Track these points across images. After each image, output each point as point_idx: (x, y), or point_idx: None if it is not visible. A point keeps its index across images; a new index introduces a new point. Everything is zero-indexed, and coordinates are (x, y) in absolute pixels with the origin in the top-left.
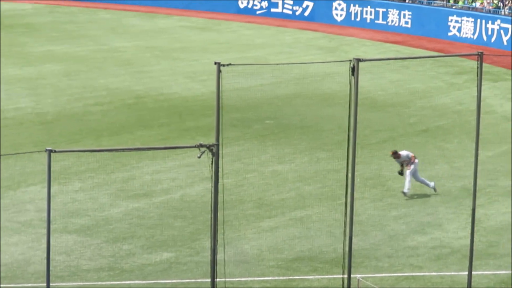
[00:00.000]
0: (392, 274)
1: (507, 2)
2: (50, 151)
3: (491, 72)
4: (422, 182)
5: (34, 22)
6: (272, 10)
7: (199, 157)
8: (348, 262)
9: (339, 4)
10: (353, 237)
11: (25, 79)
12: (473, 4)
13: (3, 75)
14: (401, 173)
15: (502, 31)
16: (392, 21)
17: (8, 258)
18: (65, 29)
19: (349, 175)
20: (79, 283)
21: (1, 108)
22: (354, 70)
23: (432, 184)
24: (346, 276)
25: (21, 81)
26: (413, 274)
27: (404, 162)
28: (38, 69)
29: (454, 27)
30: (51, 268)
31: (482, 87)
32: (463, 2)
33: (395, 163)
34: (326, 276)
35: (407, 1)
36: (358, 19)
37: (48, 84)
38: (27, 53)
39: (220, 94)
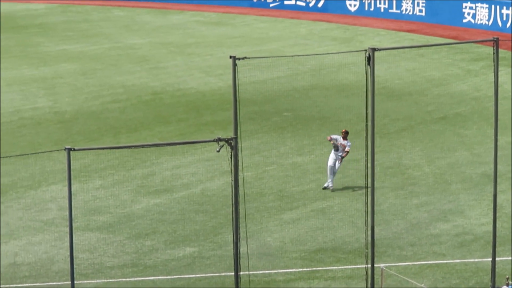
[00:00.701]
0: (416, 263)
1: None
2: (69, 149)
3: (507, 58)
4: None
5: (48, 22)
6: (286, 2)
7: (218, 151)
8: (371, 252)
9: None
10: (375, 227)
11: (42, 79)
12: None
13: (18, 75)
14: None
15: None
16: (406, 9)
17: (32, 257)
18: (79, 28)
19: (369, 164)
20: (103, 280)
21: (1, 109)
22: (369, 60)
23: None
24: (369, 265)
25: (38, 81)
26: (437, 262)
27: (340, 147)
28: (54, 69)
29: (468, 13)
30: (75, 266)
31: (499, 73)
32: None
33: (415, 151)
34: (350, 266)
35: None
36: (371, 8)
37: (64, 83)
38: (42, 53)
39: (237, 88)
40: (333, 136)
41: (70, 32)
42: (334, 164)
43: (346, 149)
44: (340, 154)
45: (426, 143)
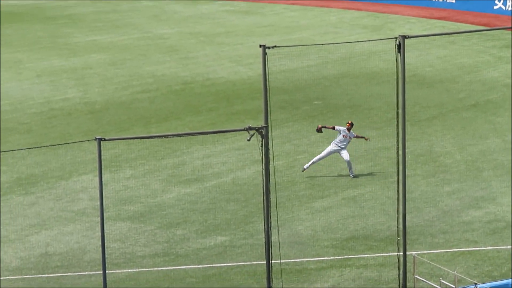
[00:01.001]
0: (448, 250)
1: None
2: (100, 139)
3: None
4: (314, 162)
5: (77, 12)
6: None
7: (249, 140)
8: (403, 240)
9: None
10: (406, 214)
11: (72, 70)
12: None
13: (48, 66)
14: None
15: None
16: None
17: (64, 247)
18: (108, 19)
19: (400, 152)
20: (135, 270)
21: (32, 100)
22: (400, 47)
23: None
24: (401, 253)
25: (68, 72)
26: (469, 249)
27: (345, 139)
28: (84, 59)
29: (499, 0)
30: (106, 256)
31: None
32: None
33: (446, 139)
34: (382, 254)
35: None
36: None
37: (94, 73)
38: (72, 44)
39: (267, 77)
40: (338, 127)
41: (99, 23)
42: (327, 154)
43: (355, 135)
44: (344, 144)
45: (457, 131)
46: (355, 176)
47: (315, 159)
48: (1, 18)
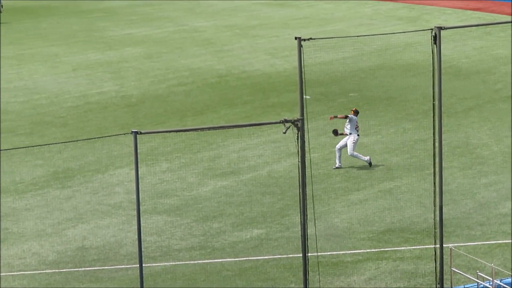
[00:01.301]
0: (485, 242)
1: None
2: (136, 133)
3: None
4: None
5: (112, 6)
6: None
7: (284, 133)
8: (439, 232)
9: None
10: (443, 207)
11: (107, 63)
12: None
13: (84, 60)
14: (336, 133)
15: None
16: None
17: (100, 241)
18: (143, 12)
19: (437, 144)
20: (171, 263)
21: (68, 94)
22: (436, 39)
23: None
24: (438, 246)
25: (103, 65)
26: (506, 241)
27: (352, 127)
28: (119, 53)
29: None
30: (142, 249)
31: None
32: None
33: (483, 130)
34: (418, 247)
35: None
36: None
37: (130, 67)
38: (107, 38)
39: (302, 69)
40: (351, 116)
41: (134, 16)
42: (355, 145)
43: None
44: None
45: (494, 122)
46: (386, 169)
47: (349, 150)
48: (37, 12)
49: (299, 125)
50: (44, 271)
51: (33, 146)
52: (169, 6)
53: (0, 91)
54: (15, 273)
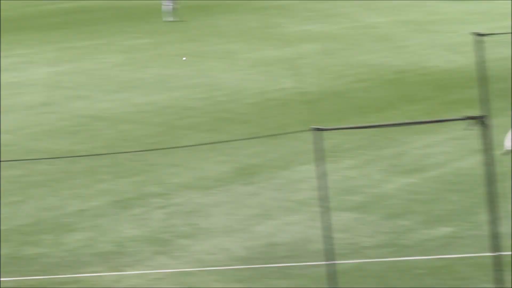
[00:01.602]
0: None
1: None
2: (317, 129)
3: None
4: None
5: (287, 2)
6: None
7: (468, 130)
8: None
9: None
10: None
11: (285, 60)
12: None
13: (261, 56)
14: None
15: None
16: None
17: (288, 237)
18: (318, 8)
19: None
20: (360, 260)
21: (247, 91)
22: None
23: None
24: None
25: (282, 61)
26: None
27: None
28: (296, 49)
29: None
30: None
31: None
32: None
33: None
34: None
35: None
36: None
37: (308, 63)
38: (284, 34)
39: (482, 65)
40: None
41: (310, 12)
42: None
43: None
44: None
45: None
46: None
47: None
48: (212, 9)
49: (483, 122)
50: (233, 267)
51: (217, 143)
52: (344, 2)
53: (181, 88)
54: (206, 268)
